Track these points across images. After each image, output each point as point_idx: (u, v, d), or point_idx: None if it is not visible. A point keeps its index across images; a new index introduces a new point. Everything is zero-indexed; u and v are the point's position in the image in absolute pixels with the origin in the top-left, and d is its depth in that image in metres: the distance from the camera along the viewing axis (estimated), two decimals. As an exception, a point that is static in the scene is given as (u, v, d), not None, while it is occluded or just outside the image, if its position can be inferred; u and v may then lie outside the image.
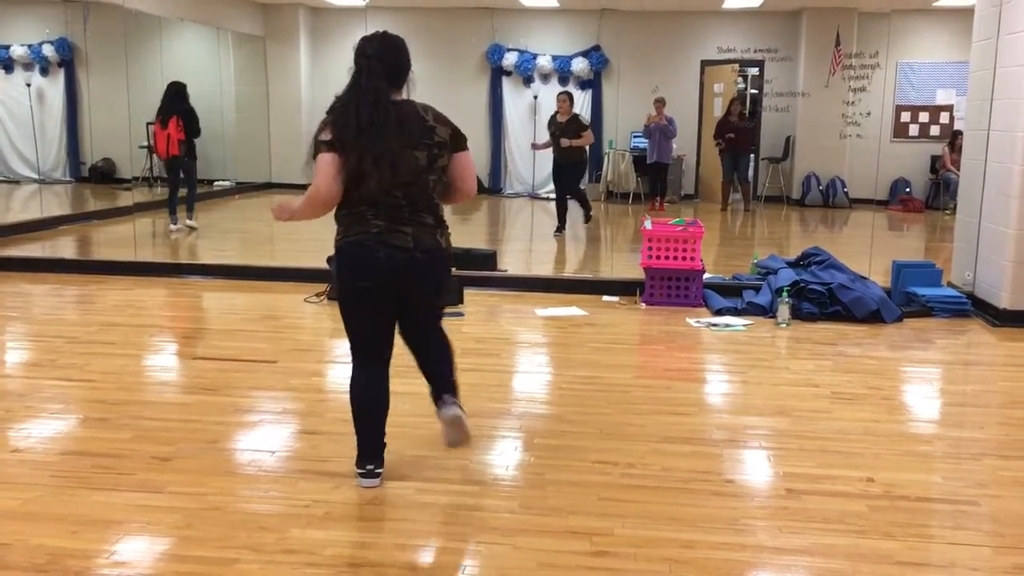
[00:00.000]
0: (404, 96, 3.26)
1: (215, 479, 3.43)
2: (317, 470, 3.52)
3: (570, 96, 10.09)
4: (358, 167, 3.10)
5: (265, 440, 3.88)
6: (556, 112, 9.97)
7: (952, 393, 4.94)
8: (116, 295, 6.77)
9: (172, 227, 9.84)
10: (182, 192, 9.94)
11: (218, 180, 13.68)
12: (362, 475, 3.36)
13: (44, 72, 12.62)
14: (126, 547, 2.90)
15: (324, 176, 3.13)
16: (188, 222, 9.99)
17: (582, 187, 10.45)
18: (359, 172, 3.11)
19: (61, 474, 3.45)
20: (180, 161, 9.68)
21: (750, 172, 13.19)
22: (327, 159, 3.12)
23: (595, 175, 13.30)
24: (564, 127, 9.75)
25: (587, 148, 10.17)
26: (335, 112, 3.16)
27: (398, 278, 3.20)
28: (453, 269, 3.54)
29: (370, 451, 3.38)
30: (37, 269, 7.68)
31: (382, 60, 3.17)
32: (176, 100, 9.65)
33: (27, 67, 12.50)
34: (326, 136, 3.14)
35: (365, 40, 3.23)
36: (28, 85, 12.36)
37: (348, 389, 3.41)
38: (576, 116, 9.95)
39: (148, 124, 12.00)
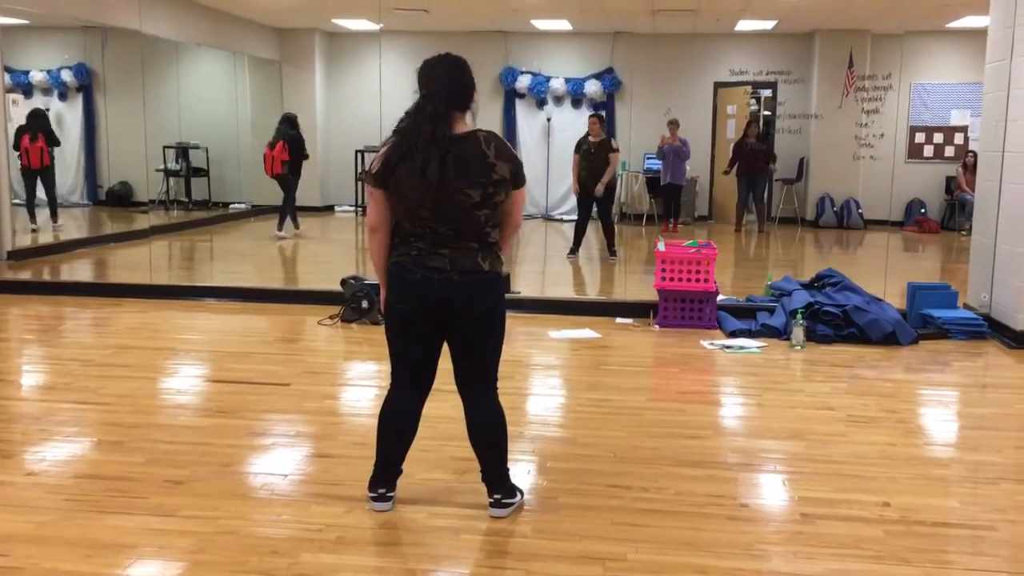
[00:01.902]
0: (470, 121, 3.21)
1: (228, 503, 3.43)
2: (330, 494, 3.51)
3: (601, 118, 10.03)
4: (396, 194, 3.10)
5: (278, 463, 3.89)
6: (587, 134, 9.88)
7: (969, 416, 4.90)
8: (132, 318, 6.81)
9: (276, 232, 11.28)
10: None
11: (233, 203, 13.79)
12: (374, 499, 3.36)
13: (63, 97, 12.79)
14: (139, 571, 2.91)
15: (370, 208, 3.20)
16: (279, 232, 11.35)
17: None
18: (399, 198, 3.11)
19: (75, 497, 3.46)
20: (283, 178, 11.15)
21: (765, 193, 13.19)
22: (371, 193, 3.17)
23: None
24: (595, 149, 9.69)
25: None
26: (398, 134, 3.13)
27: (437, 301, 3.14)
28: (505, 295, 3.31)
29: (385, 475, 3.37)
30: (54, 292, 7.74)
31: (444, 82, 3.14)
32: (285, 127, 11.22)
33: (46, 92, 12.68)
34: (375, 167, 3.14)
35: (427, 62, 3.22)
36: (47, 110, 12.51)
37: (379, 409, 3.36)
38: (607, 139, 9.86)
39: (164, 147, 12.19)
